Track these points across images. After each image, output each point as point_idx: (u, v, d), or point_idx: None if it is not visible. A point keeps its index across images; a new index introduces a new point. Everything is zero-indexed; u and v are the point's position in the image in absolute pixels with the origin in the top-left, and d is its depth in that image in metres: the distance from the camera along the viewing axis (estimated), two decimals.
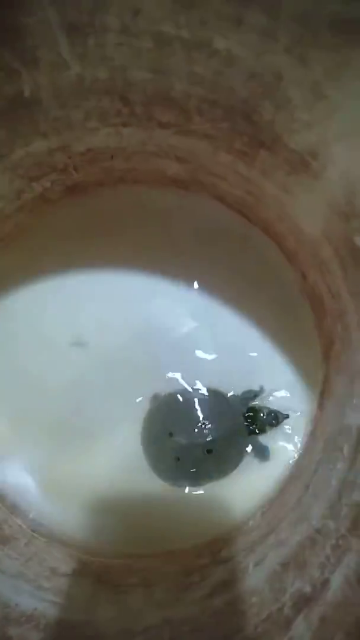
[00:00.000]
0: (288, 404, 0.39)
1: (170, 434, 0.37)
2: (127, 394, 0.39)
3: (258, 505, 0.38)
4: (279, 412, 0.38)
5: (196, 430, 0.37)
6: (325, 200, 0.27)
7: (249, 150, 0.29)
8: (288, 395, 0.39)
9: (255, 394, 0.38)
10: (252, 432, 0.38)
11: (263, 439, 0.38)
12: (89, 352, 0.39)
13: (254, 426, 0.38)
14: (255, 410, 0.38)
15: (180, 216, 0.40)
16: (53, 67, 0.25)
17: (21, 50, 0.24)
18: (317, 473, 0.34)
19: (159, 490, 0.38)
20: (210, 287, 0.40)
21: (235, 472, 0.38)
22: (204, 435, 0.37)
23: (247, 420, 0.38)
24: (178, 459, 0.37)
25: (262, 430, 0.38)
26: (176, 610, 0.32)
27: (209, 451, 0.37)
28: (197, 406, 0.38)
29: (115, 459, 0.38)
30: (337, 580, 0.25)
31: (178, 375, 0.39)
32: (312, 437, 0.38)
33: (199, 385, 0.38)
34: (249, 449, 0.38)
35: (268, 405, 0.38)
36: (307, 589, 0.27)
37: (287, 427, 0.38)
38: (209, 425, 0.37)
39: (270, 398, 0.39)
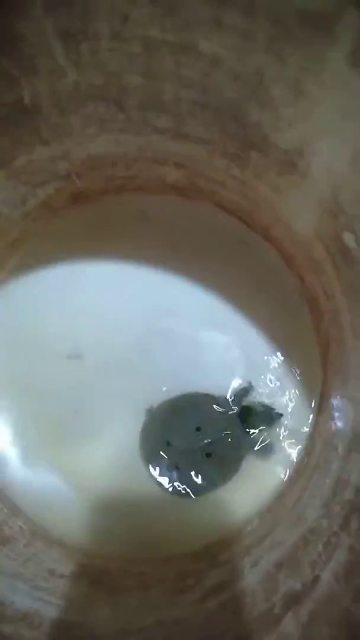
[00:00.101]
0: (289, 409, 0.39)
1: (168, 443, 0.37)
2: (126, 400, 0.39)
3: (257, 511, 0.37)
4: (273, 410, 0.38)
5: (193, 435, 0.37)
6: (314, 198, 0.28)
7: (241, 153, 0.30)
8: (288, 399, 0.39)
9: (245, 390, 0.38)
10: (249, 432, 0.38)
11: (263, 437, 0.38)
12: (88, 359, 0.40)
13: (250, 425, 0.38)
14: (249, 409, 0.38)
15: (182, 224, 0.41)
16: (51, 74, 0.27)
17: (19, 58, 0.25)
18: (315, 475, 0.33)
19: (159, 497, 0.38)
20: (212, 293, 0.41)
21: (236, 476, 0.38)
22: (201, 439, 0.37)
23: (242, 420, 0.38)
24: (178, 468, 0.37)
25: (257, 429, 0.38)
26: (170, 612, 0.32)
27: (208, 455, 0.37)
28: (189, 411, 0.38)
29: (115, 462, 0.38)
30: (326, 577, 0.25)
31: (175, 381, 0.39)
32: (311, 440, 0.37)
33: (190, 390, 0.39)
34: (250, 448, 0.38)
35: (262, 404, 0.38)
36: (298, 586, 0.26)
37: (287, 431, 0.38)
38: (205, 429, 0.37)
39: (270, 401, 0.39)
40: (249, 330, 0.40)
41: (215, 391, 0.39)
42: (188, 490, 0.37)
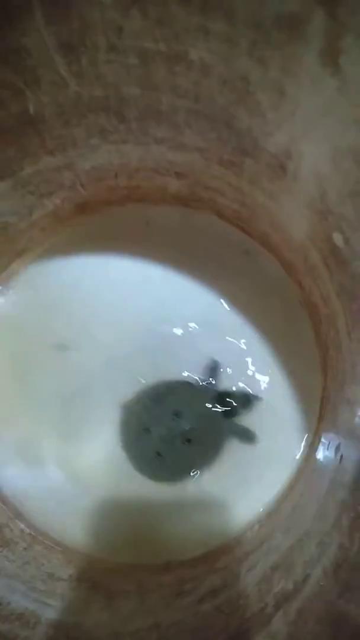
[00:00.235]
0: (289, 415, 0.39)
1: (147, 430, 0.38)
2: (113, 396, 0.40)
3: (257, 517, 0.37)
4: (250, 394, 0.38)
5: (171, 421, 0.38)
6: (304, 201, 0.28)
7: (235, 160, 0.31)
8: (289, 406, 0.39)
9: (213, 368, 0.38)
10: (228, 416, 0.38)
11: (245, 422, 0.38)
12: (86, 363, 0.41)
13: (228, 411, 0.38)
14: (227, 394, 0.38)
15: (185, 234, 0.42)
16: (53, 85, 0.28)
17: (24, 70, 0.27)
18: (313, 478, 0.33)
19: (161, 502, 0.38)
20: (214, 301, 0.41)
21: (237, 480, 0.38)
22: (180, 425, 0.38)
23: (220, 405, 0.38)
24: (159, 454, 0.37)
25: (236, 414, 0.38)
26: (166, 615, 0.32)
27: (189, 440, 0.37)
28: (167, 398, 0.38)
29: (116, 465, 0.39)
30: (315, 574, 0.25)
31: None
32: (311, 446, 0.37)
33: (168, 377, 0.39)
34: (231, 434, 0.38)
35: (239, 389, 0.38)
36: (290, 586, 0.26)
37: (287, 436, 0.38)
38: (184, 414, 0.38)
39: (269, 407, 0.39)
40: (251, 337, 0.40)
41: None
42: (169, 477, 0.38)
